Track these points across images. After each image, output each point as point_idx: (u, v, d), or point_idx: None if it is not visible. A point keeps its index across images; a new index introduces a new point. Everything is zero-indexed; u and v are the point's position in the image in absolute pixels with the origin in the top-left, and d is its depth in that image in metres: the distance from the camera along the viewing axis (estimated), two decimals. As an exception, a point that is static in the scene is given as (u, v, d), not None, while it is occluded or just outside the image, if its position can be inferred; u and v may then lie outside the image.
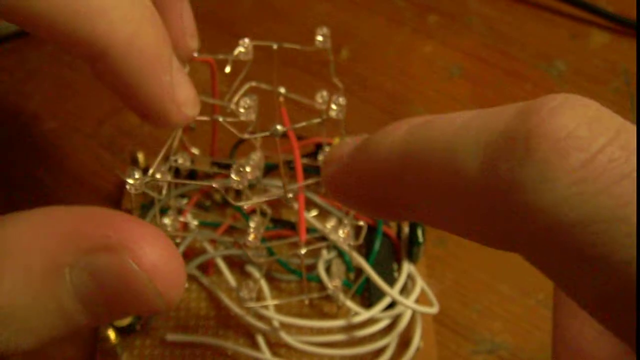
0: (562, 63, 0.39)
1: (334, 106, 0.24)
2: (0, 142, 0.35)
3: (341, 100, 0.24)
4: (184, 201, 0.30)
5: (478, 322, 0.28)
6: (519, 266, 0.29)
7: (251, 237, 0.24)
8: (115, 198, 0.32)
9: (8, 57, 0.38)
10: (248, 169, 0.24)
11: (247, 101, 0.24)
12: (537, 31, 0.41)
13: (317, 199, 0.30)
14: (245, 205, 0.26)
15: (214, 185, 0.24)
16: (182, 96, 0.22)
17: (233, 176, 0.22)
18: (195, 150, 0.30)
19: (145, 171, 0.29)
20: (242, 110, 0.24)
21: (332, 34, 0.27)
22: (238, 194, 0.30)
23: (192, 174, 0.31)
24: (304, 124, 0.24)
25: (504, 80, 0.38)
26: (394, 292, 0.26)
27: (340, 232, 0.25)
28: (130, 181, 0.23)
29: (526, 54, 0.39)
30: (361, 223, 0.25)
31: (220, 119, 0.25)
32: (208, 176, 0.31)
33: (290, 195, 0.23)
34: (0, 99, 0.36)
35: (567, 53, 0.39)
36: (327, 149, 0.29)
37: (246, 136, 0.24)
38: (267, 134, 0.24)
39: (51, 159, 0.34)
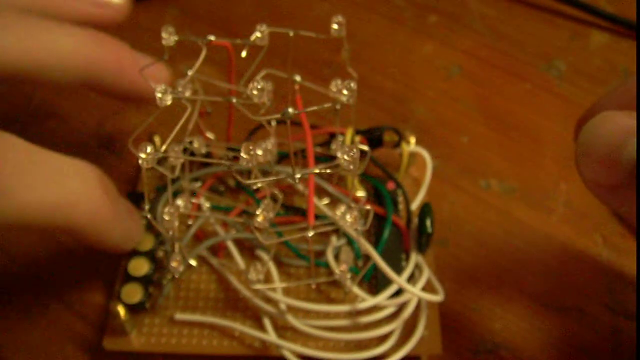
0: (562, 63, 0.37)
1: (345, 91, 0.23)
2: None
3: (352, 85, 0.22)
4: (198, 184, 0.28)
5: (478, 322, 0.27)
6: (519, 266, 0.28)
7: (260, 218, 0.22)
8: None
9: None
10: (259, 151, 0.22)
11: (260, 83, 0.23)
12: (537, 31, 0.39)
13: (328, 187, 0.28)
14: (255, 185, 0.24)
15: (225, 163, 0.22)
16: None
17: (242, 155, 0.21)
18: (210, 135, 0.29)
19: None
20: (255, 92, 0.23)
21: (330, 35, 0.25)
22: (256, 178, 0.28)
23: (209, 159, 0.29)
24: (315, 108, 0.22)
25: (504, 80, 0.36)
26: (400, 279, 0.24)
27: (348, 217, 0.23)
28: (143, 155, 0.21)
29: (526, 54, 0.37)
30: (368, 207, 0.23)
31: (234, 100, 0.23)
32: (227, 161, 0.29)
33: (298, 176, 0.21)
34: (0, 99, 0.34)
35: (567, 53, 0.37)
36: (340, 138, 0.28)
37: (257, 118, 0.22)
38: (278, 116, 0.22)
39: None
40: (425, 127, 0.33)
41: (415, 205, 0.28)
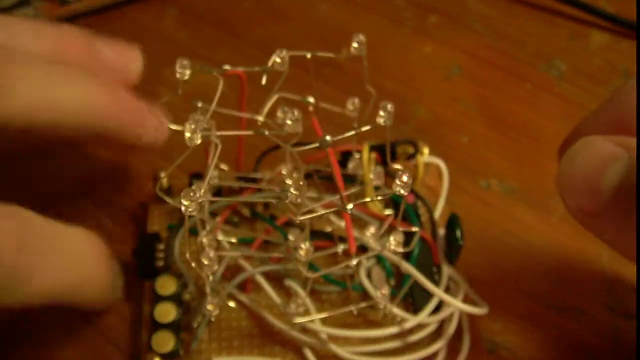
0: (562, 63, 0.37)
1: (382, 112, 0.22)
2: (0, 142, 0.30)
3: (389, 107, 0.21)
4: (217, 219, 0.26)
5: (478, 322, 0.26)
6: (519, 266, 0.27)
7: (303, 252, 0.21)
8: (115, 199, 0.29)
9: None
10: (289, 181, 0.21)
11: (294, 113, 0.21)
12: (537, 31, 0.39)
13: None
14: (307, 218, 0.22)
15: (273, 197, 0.20)
16: (151, 124, 0.24)
17: (292, 191, 0.19)
18: (224, 167, 0.27)
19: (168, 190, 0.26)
20: (289, 122, 0.21)
21: (331, 34, 0.24)
22: (266, 207, 0.27)
23: (218, 191, 0.27)
24: (352, 133, 0.21)
25: (504, 80, 0.36)
26: (443, 294, 0.24)
27: (392, 241, 0.22)
28: (185, 202, 0.19)
29: (526, 54, 0.37)
30: (414, 229, 0.22)
31: (267, 133, 0.22)
32: (233, 191, 0.27)
33: (351, 206, 0.20)
34: None
35: (567, 53, 0.37)
36: (356, 156, 0.27)
37: (291, 149, 0.21)
38: (316, 145, 0.21)
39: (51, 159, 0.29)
40: (425, 127, 0.33)
41: (437, 215, 0.27)
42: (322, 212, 0.20)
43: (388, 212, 0.27)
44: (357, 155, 0.27)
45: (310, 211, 0.20)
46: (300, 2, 0.38)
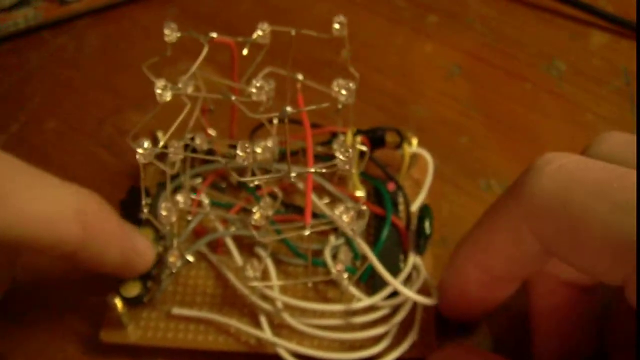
0: (562, 63, 0.35)
1: (343, 91, 0.21)
2: (0, 142, 0.31)
3: (351, 85, 0.21)
4: (199, 181, 0.26)
5: (478, 321, 0.25)
6: None
7: (256, 215, 0.21)
8: (115, 198, 0.28)
9: (8, 57, 0.34)
10: (258, 149, 0.21)
11: (259, 81, 0.21)
12: (537, 31, 0.37)
13: (329, 186, 0.26)
14: (251, 182, 0.22)
15: (220, 160, 0.20)
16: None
17: (239, 152, 0.19)
18: (212, 132, 0.27)
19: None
20: (254, 90, 0.21)
21: (331, 34, 0.23)
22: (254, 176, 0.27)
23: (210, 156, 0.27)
24: (313, 107, 0.21)
25: (504, 80, 0.34)
26: (394, 280, 0.23)
27: (345, 217, 0.21)
28: (140, 151, 0.20)
29: (526, 54, 0.35)
30: (364, 208, 0.21)
31: (233, 98, 0.21)
32: (225, 158, 0.27)
33: (294, 174, 0.20)
34: (0, 99, 0.32)
35: (567, 53, 0.35)
36: (341, 137, 0.26)
37: (255, 116, 0.21)
38: (276, 114, 0.20)
39: (51, 159, 0.30)
40: (425, 127, 0.31)
41: (415, 206, 0.26)
42: (265, 177, 0.20)
43: (360, 193, 0.26)
44: (341, 137, 0.26)
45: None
46: (299, 2, 0.37)
